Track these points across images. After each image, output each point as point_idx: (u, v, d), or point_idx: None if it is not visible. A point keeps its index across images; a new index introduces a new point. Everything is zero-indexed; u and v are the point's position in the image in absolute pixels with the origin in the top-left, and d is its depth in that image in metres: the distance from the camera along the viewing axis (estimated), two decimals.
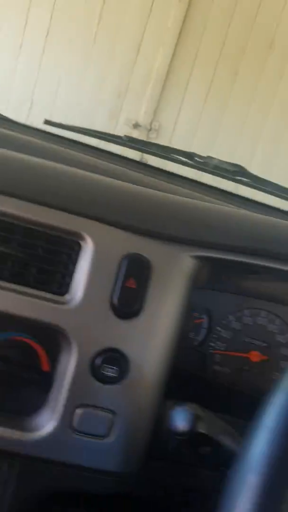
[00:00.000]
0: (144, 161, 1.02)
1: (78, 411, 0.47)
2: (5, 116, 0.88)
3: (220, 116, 2.44)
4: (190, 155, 0.87)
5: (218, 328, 0.70)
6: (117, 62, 2.40)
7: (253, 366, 0.69)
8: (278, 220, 0.57)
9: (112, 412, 0.48)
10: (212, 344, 0.69)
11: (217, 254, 0.51)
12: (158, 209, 0.51)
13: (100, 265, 0.48)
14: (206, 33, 2.41)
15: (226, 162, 0.88)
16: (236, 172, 0.87)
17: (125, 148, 0.87)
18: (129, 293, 0.48)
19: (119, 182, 0.53)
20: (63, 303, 0.47)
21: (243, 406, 0.47)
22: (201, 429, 0.36)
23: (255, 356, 0.69)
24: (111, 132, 0.89)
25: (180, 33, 2.41)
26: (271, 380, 0.70)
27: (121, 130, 2.43)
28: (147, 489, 0.53)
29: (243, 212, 0.55)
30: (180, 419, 0.36)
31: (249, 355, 0.69)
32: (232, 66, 2.42)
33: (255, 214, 0.56)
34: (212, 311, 0.71)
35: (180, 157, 0.87)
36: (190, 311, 0.70)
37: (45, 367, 0.50)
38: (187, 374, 0.67)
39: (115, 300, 0.48)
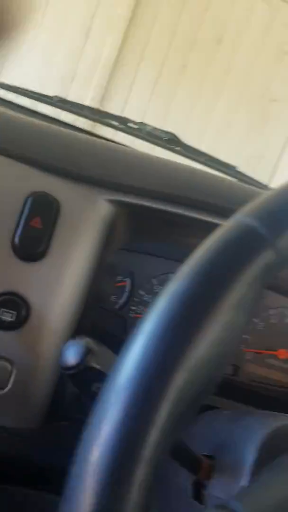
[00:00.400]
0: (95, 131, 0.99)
1: None
2: None
3: (168, 108, 2.44)
4: (123, 120, 0.85)
5: (141, 292, 0.67)
6: (64, 46, 2.35)
7: None
8: (200, 169, 0.54)
9: (10, 361, 0.43)
10: (134, 308, 0.66)
11: (134, 200, 0.48)
12: (71, 147, 0.48)
13: (2, 200, 0.44)
14: (156, 24, 2.40)
15: (160, 130, 0.85)
16: (169, 140, 0.84)
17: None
18: (33, 234, 0.44)
19: (31, 118, 0.49)
20: None
21: None
22: (93, 363, 0.32)
23: None
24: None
25: (129, 22, 2.38)
26: None
27: (67, 115, 2.38)
28: (48, 454, 0.50)
29: (163, 158, 0.52)
30: (70, 353, 0.33)
31: None
32: (181, 59, 2.43)
33: (176, 162, 0.53)
34: (135, 274, 0.68)
35: (113, 122, 0.84)
36: (112, 271, 0.66)
37: None
38: (107, 337, 0.64)
39: (17, 240, 0.44)
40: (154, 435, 0.22)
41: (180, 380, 0.23)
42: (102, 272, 0.54)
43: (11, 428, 0.44)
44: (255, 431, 0.42)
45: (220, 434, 0.45)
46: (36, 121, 0.49)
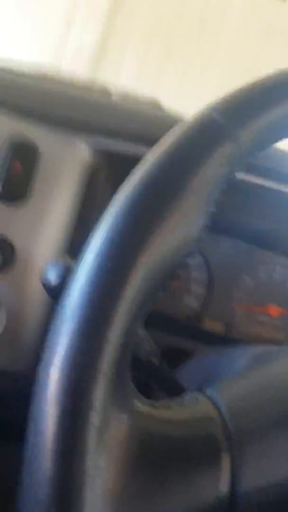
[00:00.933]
0: None
1: None
2: None
3: (155, 94, 2.44)
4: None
5: None
6: (46, 37, 2.35)
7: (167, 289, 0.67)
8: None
9: None
10: None
11: (114, 143, 0.49)
12: (48, 92, 0.48)
13: None
14: (138, 9, 2.40)
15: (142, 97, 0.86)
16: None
17: None
18: (14, 178, 0.45)
19: (6, 66, 0.50)
20: None
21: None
22: None
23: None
24: None
25: (111, 9, 2.38)
26: (182, 303, 0.69)
27: None
28: None
29: (145, 102, 0.53)
30: (51, 274, 0.34)
31: None
32: (166, 43, 2.43)
33: (160, 107, 0.54)
34: None
35: None
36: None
37: None
38: None
39: None
40: (121, 310, 0.23)
41: (144, 261, 0.24)
42: (90, 229, 0.55)
43: (2, 370, 0.45)
44: (237, 358, 0.43)
45: (207, 369, 0.46)
46: (12, 69, 0.50)
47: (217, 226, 0.65)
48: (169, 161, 0.26)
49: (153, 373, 0.39)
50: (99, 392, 0.21)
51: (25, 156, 0.45)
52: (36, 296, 0.46)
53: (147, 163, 0.26)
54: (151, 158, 0.26)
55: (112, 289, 0.23)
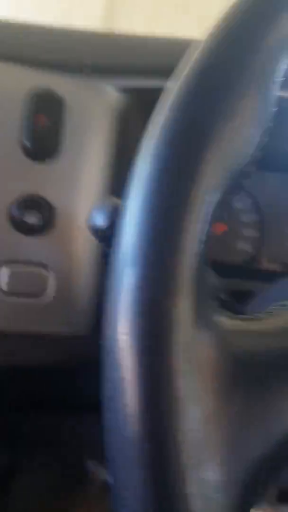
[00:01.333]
0: None
1: (4, 270, 0.41)
2: None
3: None
4: None
5: None
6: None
7: (216, 239, 0.64)
8: None
9: (44, 266, 0.42)
10: None
11: (141, 80, 0.45)
12: (66, 40, 0.45)
13: (4, 104, 0.42)
14: None
15: None
16: None
17: None
18: (41, 132, 0.42)
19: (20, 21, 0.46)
20: None
21: None
22: None
23: (219, 228, 0.64)
24: None
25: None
26: (235, 249, 0.65)
27: None
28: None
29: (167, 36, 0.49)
30: (99, 216, 0.31)
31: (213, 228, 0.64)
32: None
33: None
34: None
35: None
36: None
37: None
38: None
39: (26, 141, 0.41)
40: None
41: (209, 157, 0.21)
42: (127, 177, 0.52)
43: (56, 334, 0.43)
44: None
45: (277, 296, 0.43)
46: (23, 23, 0.46)
47: (263, 160, 0.60)
48: (224, 42, 0.22)
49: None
50: (180, 308, 0.19)
51: (50, 108, 0.42)
52: (82, 254, 0.43)
53: (200, 49, 0.22)
54: (206, 42, 0.23)
55: (177, 189, 0.20)
